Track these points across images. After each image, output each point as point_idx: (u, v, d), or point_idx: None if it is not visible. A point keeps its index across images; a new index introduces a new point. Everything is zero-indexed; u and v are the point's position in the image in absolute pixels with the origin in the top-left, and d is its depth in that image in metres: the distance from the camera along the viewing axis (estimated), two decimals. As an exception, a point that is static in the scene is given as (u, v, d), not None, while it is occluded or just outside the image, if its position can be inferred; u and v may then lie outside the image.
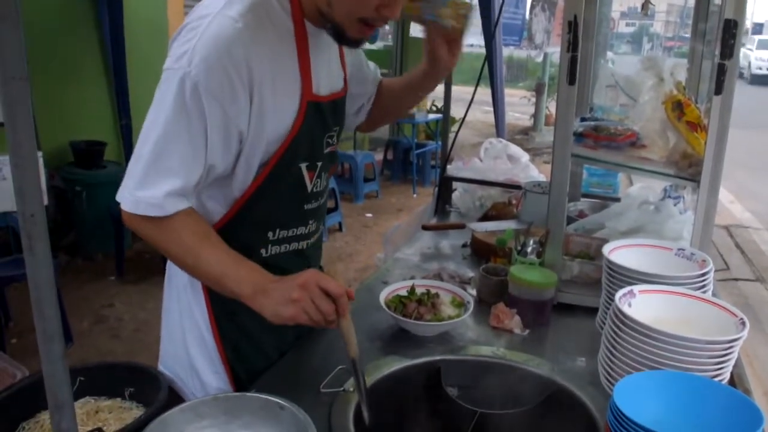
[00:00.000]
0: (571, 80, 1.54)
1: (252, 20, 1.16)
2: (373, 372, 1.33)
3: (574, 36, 1.52)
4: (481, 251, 2.13)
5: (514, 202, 2.51)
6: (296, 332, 1.46)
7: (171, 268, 1.40)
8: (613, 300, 1.23)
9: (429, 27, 1.39)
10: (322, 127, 1.35)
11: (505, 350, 1.46)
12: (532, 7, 9.48)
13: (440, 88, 2.19)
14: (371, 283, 1.91)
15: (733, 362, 1.14)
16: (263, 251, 1.35)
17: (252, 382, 1.32)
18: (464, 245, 2.25)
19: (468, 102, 2.47)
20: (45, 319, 0.75)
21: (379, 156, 8.85)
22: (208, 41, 1.12)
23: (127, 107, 5.52)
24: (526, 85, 15.19)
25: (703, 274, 1.36)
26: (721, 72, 1.48)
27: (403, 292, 1.61)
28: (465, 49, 1.50)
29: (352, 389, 1.22)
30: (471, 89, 2.54)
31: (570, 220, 2.23)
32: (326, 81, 1.35)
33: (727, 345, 1.10)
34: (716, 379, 1.09)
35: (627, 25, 32.97)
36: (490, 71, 7.52)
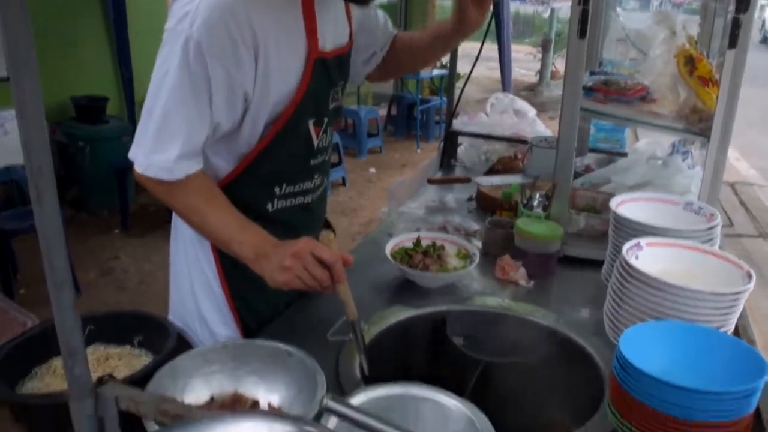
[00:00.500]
0: (582, 33, 1.51)
1: None
2: (379, 322, 1.35)
3: (585, -13, 1.48)
4: (486, 205, 2.13)
5: (519, 156, 2.50)
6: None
7: (177, 221, 1.41)
8: (619, 253, 1.23)
9: None
10: (328, 83, 1.34)
11: (510, 301, 1.47)
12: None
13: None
14: (376, 236, 1.92)
15: (738, 314, 1.15)
16: (269, 206, 1.35)
17: (260, 331, 1.34)
18: (469, 199, 2.24)
19: (474, 58, 2.42)
20: (54, 269, 0.75)
21: (382, 111, 8.77)
22: (210, 2, 1.10)
23: (128, 60, 5.45)
24: (532, 42, 14.93)
25: (711, 228, 1.36)
26: (735, 26, 1.45)
27: (409, 244, 1.62)
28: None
29: (349, 333, 1.23)
30: (476, 45, 2.49)
31: (576, 175, 2.22)
32: (332, 37, 1.33)
33: (733, 297, 1.10)
34: (721, 330, 1.10)
35: (636, -21, 32.16)
36: (497, 27, 7.39)
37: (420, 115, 8.26)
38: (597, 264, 1.58)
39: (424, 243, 1.62)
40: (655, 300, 1.10)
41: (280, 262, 1.14)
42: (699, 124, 1.66)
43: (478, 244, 1.79)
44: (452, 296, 1.49)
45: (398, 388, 0.94)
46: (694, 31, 1.97)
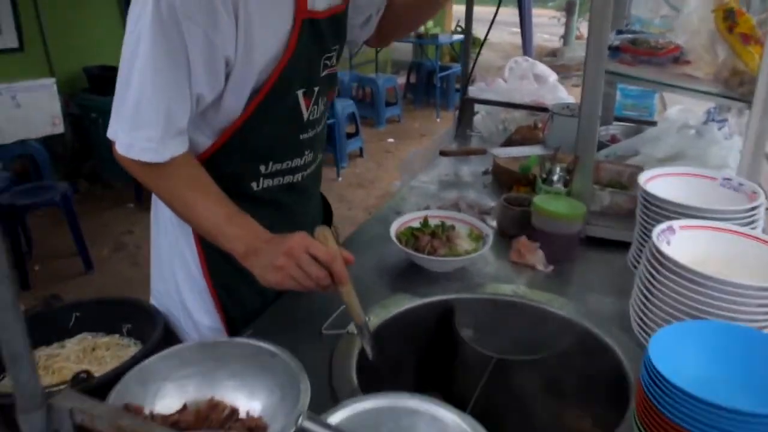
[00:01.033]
0: (608, -15, 1.34)
1: None
2: (380, 312, 1.23)
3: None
4: (503, 179, 1.98)
5: (540, 125, 2.33)
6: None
7: (156, 199, 1.29)
8: (649, 237, 1.08)
9: None
10: (320, 48, 1.20)
11: (525, 288, 1.34)
12: None
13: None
14: (384, 213, 1.79)
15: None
16: (254, 185, 1.23)
17: (247, 323, 1.22)
18: (485, 172, 2.10)
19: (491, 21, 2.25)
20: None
21: (401, 79, 8.59)
22: None
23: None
24: (555, 5, 14.45)
25: (753, 208, 1.20)
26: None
27: (416, 224, 1.49)
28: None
29: (356, 331, 1.12)
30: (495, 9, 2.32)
31: (601, 146, 2.06)
32: None
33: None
34: (767, 331, 0.96)
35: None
36: (518, -12, 7.12)
37: (439, 83, 8.06)
38: (623, 246, 1.43)
39: (433, 222, 1.48)
40: (690, 294, 0.95)
41: (272, 260, 1.03)
42: (739, 88, 1.51)
43: (493, 223, 1.65)
44: (462, 282, 1.36)
45: (389, 399, 0.82)
46: (734, -17, 1.78)
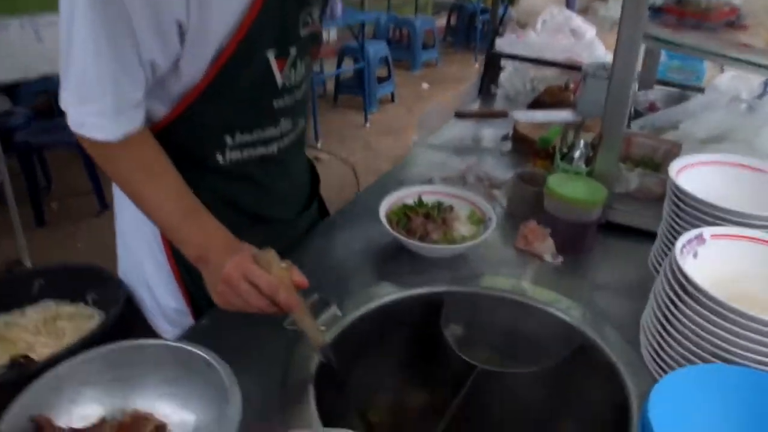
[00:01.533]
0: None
1: None
2: (360, 305, 1.08)
3: None
4: (522, 147, 1.79)
5: (572, 86, 2.10)
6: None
7: None
8: (676, 236, 0.90)
9: None
10: (296, 2, 1.01)
11: (527, 284, 1.17)
12: None
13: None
14: (384, 181, 1.62)
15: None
16: (220, 158, 1.07)
17: (212, 304, 1.09)
18: (504, 137, 1.90)
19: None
20: None
21: (442, 21, 8.22)
22: None
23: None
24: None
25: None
26: None
27: (412, 201, 1.32)
28: None
29: (323, 328, 0.98)
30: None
31: (637, 114, 1.84)
32: None
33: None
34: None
35: None
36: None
37: (481, 26, 7.69)
38: (650, 237, 1.22)
39: (430, 200, 1.31)
40: (716, 331, 0.77)
41: (214, 284, 0.92)
42: (804, 60, 1.26)
43: (503, 200, 1.47)
44: (456, 271, 1.19)
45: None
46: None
